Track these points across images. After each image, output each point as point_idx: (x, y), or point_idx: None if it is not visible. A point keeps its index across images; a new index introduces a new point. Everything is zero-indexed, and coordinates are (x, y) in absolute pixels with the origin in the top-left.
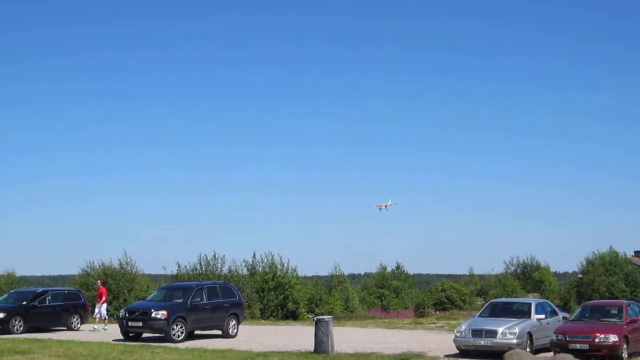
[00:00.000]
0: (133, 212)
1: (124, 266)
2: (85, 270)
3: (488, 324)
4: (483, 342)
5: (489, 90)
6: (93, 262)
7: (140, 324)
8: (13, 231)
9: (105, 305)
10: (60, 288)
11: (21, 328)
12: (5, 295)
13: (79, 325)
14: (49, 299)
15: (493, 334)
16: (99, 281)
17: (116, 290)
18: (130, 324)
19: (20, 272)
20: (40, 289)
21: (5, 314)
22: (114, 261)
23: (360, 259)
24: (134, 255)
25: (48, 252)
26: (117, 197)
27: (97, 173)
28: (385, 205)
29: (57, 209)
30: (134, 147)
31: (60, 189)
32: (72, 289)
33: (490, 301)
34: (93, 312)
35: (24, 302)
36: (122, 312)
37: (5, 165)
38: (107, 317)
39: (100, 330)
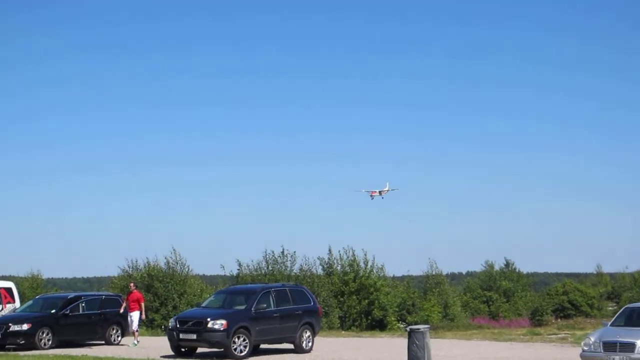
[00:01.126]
0: (181, 205)
1: (173, 266)
2: (127, 271)
3: (623, 334)
4: (618, 357)
5: None
6: (136, 261)
7: (194, 336)
8: (37, 228)
9: (138, 313)
10: (96, 293)
11: (49, 342)
12: (30, 303)
13: (119, 338)
14: (82, 307)
15: (630, 347)
16: (132, 284)
17: (164, 295)
18: (182, 336)
19: (47, 274)
20: (72, 294)
21: (30, 325)
22: (160, 260)
23: (461, 254)
24: (184, 252)
25: (79, 251)
26: (161, 188)
27: (140, 163)
28: (380, 192)
29: (90, 202)
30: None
31: (93, 182)
32: (111, 293)
33: (625, 306)
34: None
35: (53, 311)
36: (172, 322)
37: (31, 159)
38: (137, 330)
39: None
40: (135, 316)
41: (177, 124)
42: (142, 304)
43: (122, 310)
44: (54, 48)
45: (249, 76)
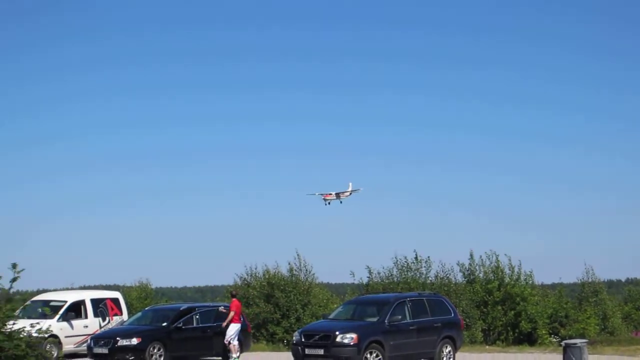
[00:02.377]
0: (304, 206)
1: (296, 273)
2: (244, 279)
3: None
4: None
5: None
6: (255, 268)
7: (321, 351)
8: (146, 235)
9: (238, 325)
10: (211, 304)
11: (161, 358)
12: (139, 315)
13: (237, 353)
14: (197, 319)
15: None
16: (233, 292)
17: (285, 305)
18: (307, 351)
19: (156, 284)
20: (184, 306)
21: (140, 339)
22: (282, 266)
23: (619, 259)
24: (308, 258)
25: (190, 257)
26: (283, 186)
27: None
28: (338, 195)
29: (201, 206)
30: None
31: (202, 185)
32: (227, 304)
33: None
34: (250, 335)
35: (164, 324)
36: (296, 336)
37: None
38: (235, 343)
39: None
40: (233, 328)
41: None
42: (230, 314)
43: (224, 324)
44: None
45: None
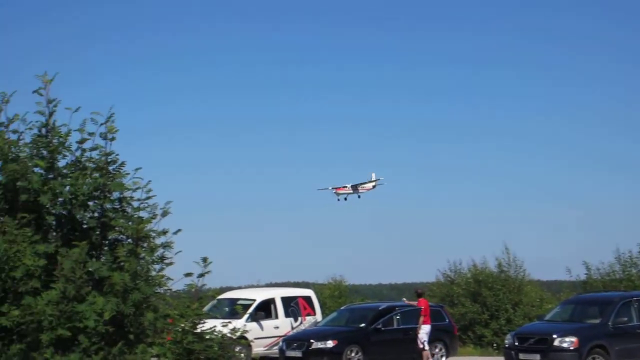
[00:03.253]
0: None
1: (506, 269)
2: (447, 276)
3: None
4: None
5: None
6: (460, 264)
7: (538, 356)
8: (337, 229)
9: (429, 328)
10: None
11: None
12: (335, 314)
13: (443, 358)
14: (397, 319)
15: None
16: (419, 290)
17: (494, 305)
18: (522, 356)
19: (350, 281)
20: (383, 305)
21: (336, 341)
22: (489, 262)
23: None
24: (518, 252)
25: (385, 253)
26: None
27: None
28: (355, 187)
29: (396, 198)
30: None
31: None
32: (432, 304)
33: None
34: (457, 337)
35: (362, 325)
36: (509, 339)
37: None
38: (426, 347)
39: None
40: (424, 330)
41: None
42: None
43: (420, 328)
44: None
45: None
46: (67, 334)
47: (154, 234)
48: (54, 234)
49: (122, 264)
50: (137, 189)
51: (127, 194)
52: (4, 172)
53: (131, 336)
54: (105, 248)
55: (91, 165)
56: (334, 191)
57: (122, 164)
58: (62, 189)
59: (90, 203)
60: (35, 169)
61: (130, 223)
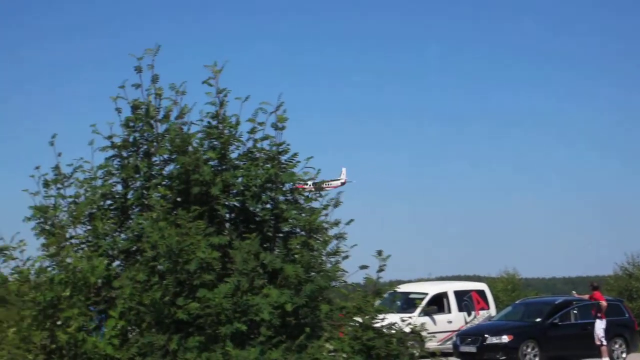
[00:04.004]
0: None
1: None
2: (625, 269)
3: None
4: None
5: None
6: (639, 256)
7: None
8: (509, 222)
9: (604, 322)
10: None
11: (535, 358)
12: (509, 309)
13: (623, 355)
14: (574, 314)
15: None
16: (594, 283)
17: None
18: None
19: (523, 274)
20: (560, 299)
21: (512, 336)
22: None
23: None
24: None
25: (558, 245)
26: None
27: None
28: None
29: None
30: None
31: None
32: (611, 298)
33: None
34: (637, 333)
35: (538, 319)
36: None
37: None
38: (605, 343)
39: None
40: (599, 325)
41: None
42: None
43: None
44: None
45: None
46: (243, 327)
47: (326, 225)
48: (227, 226)
49: (294, 256)
50: (308, 179)
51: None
52: (177, 165)
53: (307, 329)
54: (278, 240)
55: (262, 155)
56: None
57: (295, 154)
58: (234, 181)
59: (263, 194)
60: (207, 161)
61: (302, 214)
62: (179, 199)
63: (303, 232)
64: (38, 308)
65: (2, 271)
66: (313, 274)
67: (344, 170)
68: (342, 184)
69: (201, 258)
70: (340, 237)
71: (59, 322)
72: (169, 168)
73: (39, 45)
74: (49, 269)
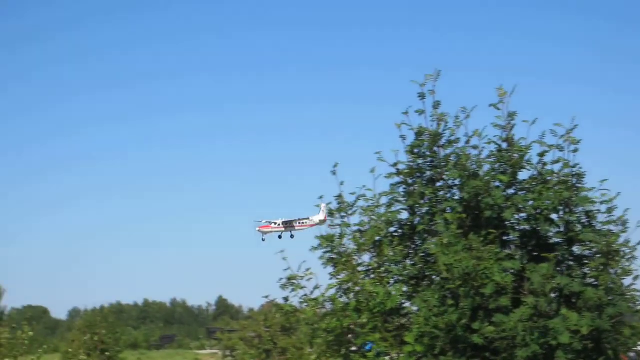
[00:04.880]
0: None
1: None
2: None
3: None
4: None
5: None
6: None
7: None
8: None
9: None
10: None
11: None
12: None
13: None
14: None
15: None
16: None
17: None
18: None
19: None
20: None
21: None
22: None
23: None
24: None
25: None
26: None
27: None
28: (288, 224)
29: None
30: None
31: None
32: None
33: None
34: None
35: None
36: None
37: None
38: None
39: None
40: None
41: None
42: None
43: None
44: None
45: None
46: (540, 351)
47: (625, 249)
48: (518, 250)
49: (592, 279)
50: (603, 202)
51: (592, 207)
52: (467, 189)
53: (610, 352)
54: (572, 263)
55: (554, 178)
56: (257, 229)
57: (583, 175)
58: (525, 204)
59: (555, 217)
60: (496, 184)
61: (600, 237)
62: (470, 223)
63: (599, 255)
64: (333, 334)
65: (292, 300)
66: (614, 297)
67: (322, 205)
68: (322, 221)
69: (497, 282)
70: (631, 257)
71: (352, 348)
72: (452, 192)
73: None
74: (337, 296)
